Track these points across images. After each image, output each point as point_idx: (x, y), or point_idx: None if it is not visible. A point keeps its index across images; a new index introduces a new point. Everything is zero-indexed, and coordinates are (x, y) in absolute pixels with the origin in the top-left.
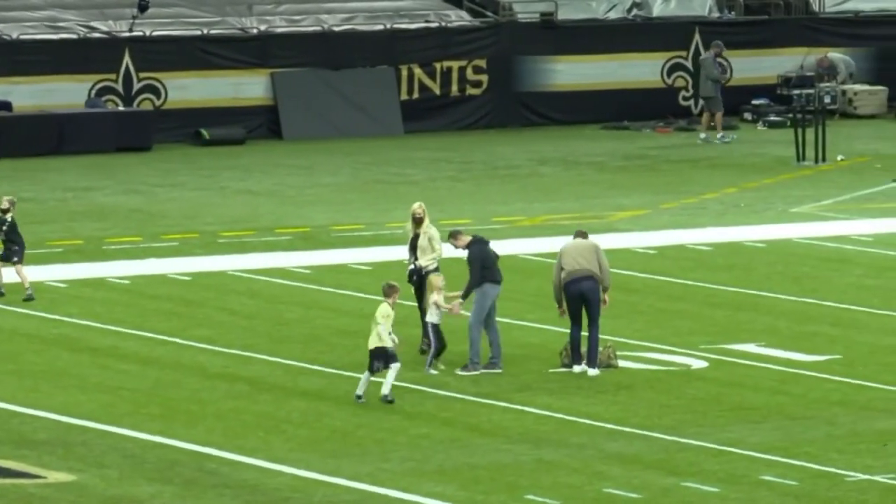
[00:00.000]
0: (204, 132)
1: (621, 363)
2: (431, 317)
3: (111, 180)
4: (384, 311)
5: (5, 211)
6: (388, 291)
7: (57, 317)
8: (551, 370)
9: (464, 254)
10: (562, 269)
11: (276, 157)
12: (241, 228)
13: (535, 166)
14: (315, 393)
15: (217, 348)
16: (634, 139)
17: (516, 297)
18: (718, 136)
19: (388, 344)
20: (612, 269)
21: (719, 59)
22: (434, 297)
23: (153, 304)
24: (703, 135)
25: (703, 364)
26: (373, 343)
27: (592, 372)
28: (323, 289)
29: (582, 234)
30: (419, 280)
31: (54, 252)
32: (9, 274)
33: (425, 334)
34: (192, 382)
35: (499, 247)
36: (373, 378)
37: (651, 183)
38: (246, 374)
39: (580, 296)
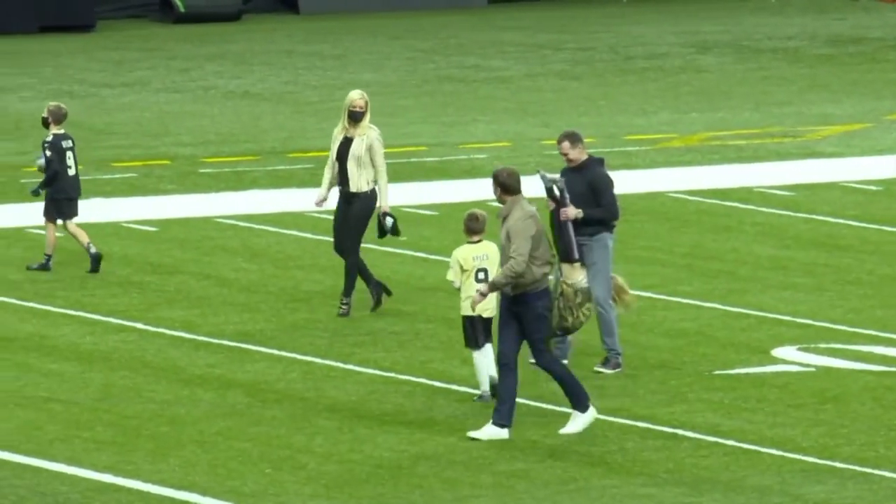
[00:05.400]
0: (177, 2)
1: (823, 361)
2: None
3: (31, 77)
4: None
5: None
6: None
7: None
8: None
9: None
10: None
11: (289, 40)
12: (234, 152)
13: (692, 55)
14: (350, 407)
15: (199, 338)
16: (846, 13)
17: (661, 259)
18: None
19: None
20: (811, 216)
21: None
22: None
23: (101, 269)
24: None
25: None
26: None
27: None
28: (364, 246)
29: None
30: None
31: None
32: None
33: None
34: (161, 391)
35: (635, 178)
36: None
37: (873, 81)
38: (243, 377)
39: None
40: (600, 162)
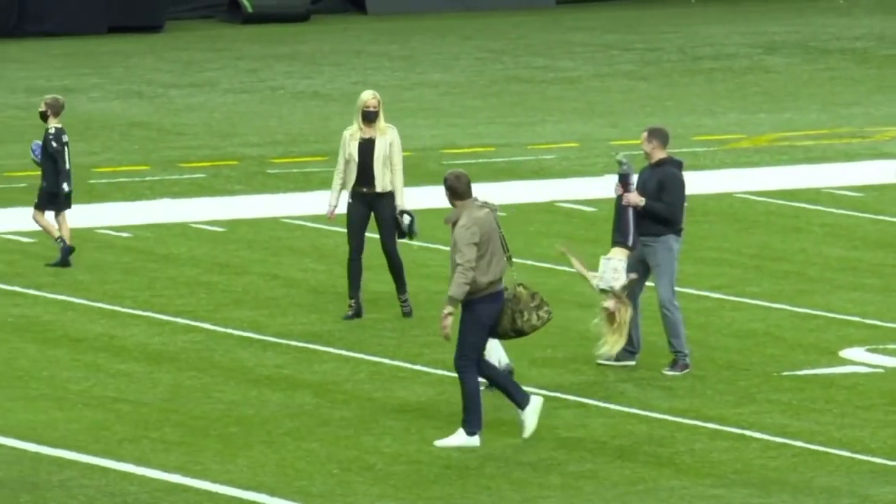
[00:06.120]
0: (245, 2)
1: (892, 362)
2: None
3: (101, 77)
4: None
5: (42, 117)
6: None
7: (19, 289)
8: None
9: None
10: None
11: (357, 41)
12: (302, 153)
13: (760, 56)
14: (419, 408)
15: (267, 338)
16: None
17: (729, 260)
18: None
19: None
20: (879, 216)
21: None
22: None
23: (168, 270)
24: None
25: None
26: None
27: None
28: (431, 246)
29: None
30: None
31: (13, 188)
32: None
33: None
34: (229, 391)
35: (702, 179)
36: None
37: None
38: (311, 378)
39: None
40: (678, 164)
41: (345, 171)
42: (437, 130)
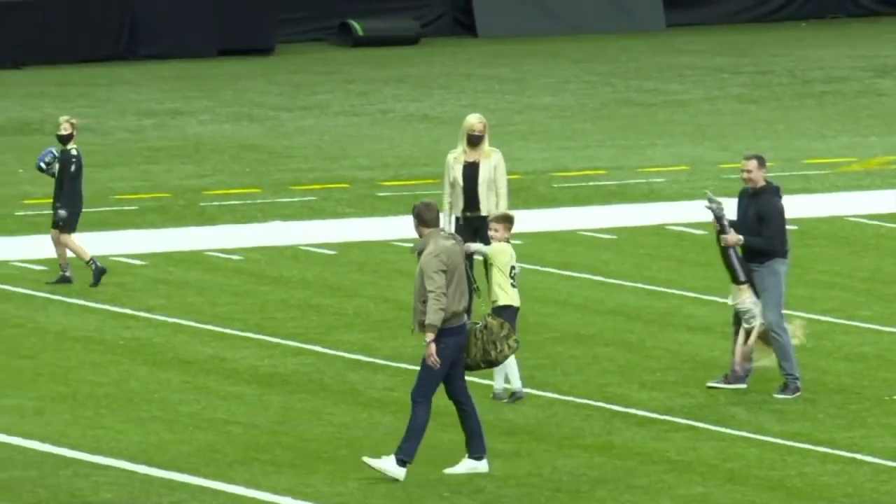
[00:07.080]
0: (356, 25)
1: None
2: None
3: (211, 100)
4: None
5: (66, 139)
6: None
7: (130, 311)
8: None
9: None
10: None
11: (467, 64)
12: (412, 176)
13: (871, 79)
14: (528, 430)
15: (377, 361)
16: None
17: (840, 284)
18: None
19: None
20: None
21: None
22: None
23: (279, 293)
24: None
25: None
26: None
27: None
28: (542, 269)
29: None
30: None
31: (124, 211)
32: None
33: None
34: (341, 413)
35: (813, 203)
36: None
37: None
38: None
39: None
40: (776, 190)
41: (451, 194)
42: (547, 153)
